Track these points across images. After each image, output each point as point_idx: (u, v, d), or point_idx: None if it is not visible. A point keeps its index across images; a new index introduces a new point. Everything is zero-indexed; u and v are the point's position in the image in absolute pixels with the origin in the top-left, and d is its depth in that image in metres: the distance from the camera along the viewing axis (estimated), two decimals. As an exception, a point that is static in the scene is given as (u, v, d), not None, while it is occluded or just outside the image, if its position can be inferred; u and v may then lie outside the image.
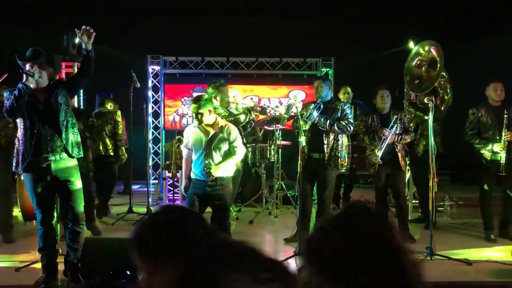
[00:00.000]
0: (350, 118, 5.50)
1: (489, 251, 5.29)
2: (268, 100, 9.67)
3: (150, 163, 9.45)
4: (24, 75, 4.00)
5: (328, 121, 5.38)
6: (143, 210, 7.04)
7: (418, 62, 5.95)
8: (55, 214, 4.44)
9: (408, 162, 6.29)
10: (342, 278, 1.14)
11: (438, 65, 5.73)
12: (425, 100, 5.18)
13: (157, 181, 9.38)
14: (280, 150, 7.52)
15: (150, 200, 7.29)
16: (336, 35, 9.79)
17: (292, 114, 5.66)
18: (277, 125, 7.02)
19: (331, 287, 1.14)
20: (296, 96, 9.33)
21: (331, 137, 5.46)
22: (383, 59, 9.55)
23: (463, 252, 5.14)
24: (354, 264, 1.14)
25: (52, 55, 4.34)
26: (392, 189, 6.02)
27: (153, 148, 9.72)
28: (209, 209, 4.91)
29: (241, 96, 9.25)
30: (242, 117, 5.92)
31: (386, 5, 9.80)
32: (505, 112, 5.56)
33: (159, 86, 9.57)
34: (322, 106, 5.46)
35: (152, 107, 9.58)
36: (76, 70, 7.39)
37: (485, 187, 5.73)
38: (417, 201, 6.97)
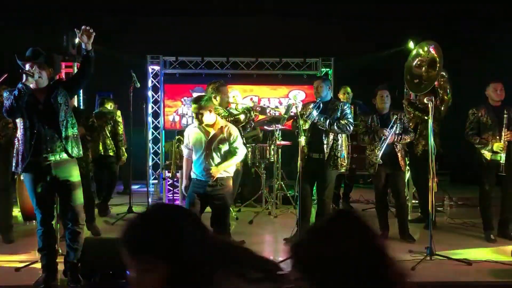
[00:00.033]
0: (349, 118, 5.50)
1: (489, 251, 5.29)
2: (268, 100, 9.67)
3: (150, 163, 9.45)
4: (24, 75, 3.99)
5: (327, 121, 5.38)
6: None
7: (419, 63, 5.97)
8: (55, 214, 4.44)
9: (407, 162, 6.29)
10: (327, 285, 1.14)
11: (438, 64, 5.73)
12: (425, 101, 5.18)
13: (156, 181, 9.38)
14: (279, 150, 7.53)
15: (150, 200, 7.29)
16: (336, 35, 9.79)
17: (292, 114, 5.66)
18: (277, 125, 7.02)
19: None
20: (296, 96, 9.34)
21: (331, 137, 5.46)
22: (383, 59, 9.56)
23: (463, 252, 5.14)
24: (339, 272, 1.14)
25: (52, 55, 4.34)
26: (392, 189, 6.02)
27: (153, 148, 9.73)
28: (208, 209, 4.92)
29: (241, 96, 9.27)
30: (242, 117, 5.92)
31: (386, 5, 9.80)
32: (505, 112, 5.56)
33: (159, 86, 9.58)
34: (321, 105, 5.46)
35: (152, 107, 9.59)
36: (76, 70, 7.39)
37: (486, 188, 5.73)
38: (417, 201, 6.97)
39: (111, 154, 6.96)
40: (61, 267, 4.35)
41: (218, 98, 5.79)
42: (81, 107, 8.01)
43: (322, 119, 5.38)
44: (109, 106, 7.24)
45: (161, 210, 1.47)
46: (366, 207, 7.73)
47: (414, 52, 6.03)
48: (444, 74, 6.30)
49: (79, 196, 4.27)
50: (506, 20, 8.90)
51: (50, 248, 4.27)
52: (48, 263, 4.24)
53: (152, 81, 9.55)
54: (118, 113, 7.18)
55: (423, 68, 5.94)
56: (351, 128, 5.55)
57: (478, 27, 9.42)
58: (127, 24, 9.73)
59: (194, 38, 9.78)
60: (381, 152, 5.56)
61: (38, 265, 4.39)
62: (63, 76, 7.35)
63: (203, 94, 5.92)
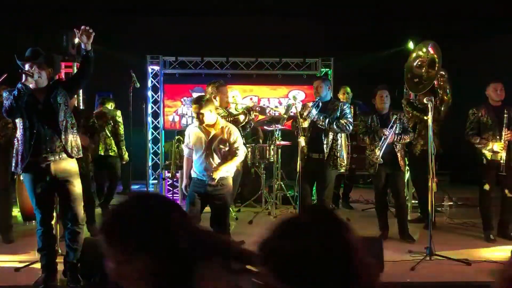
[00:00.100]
0: (349, 117, 5.51)
1: (489, 251, 5.29)
2: (268, 100, 9.67)
3: (150, 163, 9.45)
4: (24, 75, 3.99)
5: (327, 120, 5.38)
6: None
7: (419, 63, 5.97)
8: (54, 214, 4.43)
9: (407, 162, 6.29)
10: (297, 280, 1.13)
11: (437, 64, 5.74)
12: (425, 101, 5.18)
13: (156, 181, 9.37)
14: (279, 150, 7.52)
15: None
16: (336, 35, 9.79)
17: (292, 114, 5.66)
18: (276, 125, 7.02)
19: None
20: (296, 96, 9.31)
21: (330, 137, 5.46)
22: (383, 59, 9.55)
23: (463, 252, 5.14)
24: (308, 267, 1.13)
25: (51, 55, 4.35)
26: (392, 189, 6.03)
27: (153, 148, 9.72)
28: (208, 209, 4.92)
29: (240, 96, 9.27)
30: (242, 117, 5.92)
31: (386, 5, 9.79)
32: (505, 111, 5.57)
33: (158, 86, 9.57)
34: (321, 104, 5.47)
35: (152, 107, 9.59)
36: (75, 70, 7.39)
37: (486, 187, 5.73)
38: (417, 201, 6.97)
39: (112, 154, 6.95)
40: (60, 267, 4.35)
41: (217, 98, 5.79)
42: (81, 107, 8.00)
43: (321, 117, 5.38)
44: (110, 106, 7.24)
45: (142, 199, 1.43)
46: (366, 207, 7.74)
47: (414, 54, 6.04)
48: (444, 74, 6.30)
49: (78, 196, 4.26)
50: (506, 20, 8.89)
51: (50, 248, 4.27)
52: (47, 263, 4.24)
53: (152, 81, 9.55)
54: (118, 113, 7.17)
55: (423, 68, 5.94)
56: (351, 127, 5.55)
57: (478, 27, 9.42)
58: (127, 24, 9.72)
59: (194, 38, 9.77)
60: (381, 152, 5.57)
61: (38, 265, 4.39)
62: (63, 76, 7.35)
63: (204, 94, 5.92)
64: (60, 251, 4.72)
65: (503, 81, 5.80)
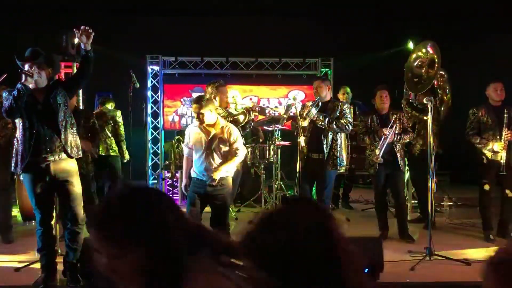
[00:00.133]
0: (349, 117, 5.52)
1: (488, 251, 5.27)
2: (268, 100, 9.66)
3: (149, 163, 9.44)
4: (23, 76, 3.99)
5: (326, 119, 5.38)
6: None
7: (419, 63, 5.98)
8: (54, 214, 4.43)
9: (407, 163, 6.29)
10: (280, 272, 1.13)
11: (436, 65, 5.74)
12: (424, 101, 5.18)
13: (156, 181, 9.37)
14: (279, 150, 7.52)
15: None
16: (336, 35, 9.78)
17: (292, 114, 5.66)
18: (276, 125, 7.02)
19: (269, 281, 1.13)
20: (296, 97, 9.33)
21: (330, 137, 5.47)
22: (383, 60, 9.54)
23: (462, 252, 5.14)
24: (291, 258, 1.13)
25: (51, 55, 4.35)
26: (392, 189, 6.03)
27: (153, 148, 9.71)
28: (208, 209, 4.92)
29: (240, 96, 9.26)
30: (241, 118, 5.92)
31: (386, 5, 9.79)
32: (505, 111, 5.57)
33: (158, 86, 9.57)
34: (320, 104, 5.47)
35: (152, 107, 9.58)
36: (75, 70, 7.38)
37: (486, 187, 5.73)
38: (416, 201, 6.97)
39: (113, 154, 6.95)
40: (60, 267, 4.35)
41: (217, 98, 5.79)
42: (81, 107, 8.00)
43: (321, 117, 5.38)
44: (110, 106, 7.24)
45: (134, 192, 1.40)
46: (365, 207, 7.74)
47: (413, 56, 6.04)
48: (443, 74, 6.30)
49: (78, 196, 4.26)
50: (506, 20, 8.89)
51: (50, 248, 4.27)
52: (47, 263, 4.24)
53: (152, 81, 9.54)
54: (118, 113, 7.16)
55: (424, 69, 5.94)
56: (350, 127, 5.55)
57: (478, 27, 9.42)
58: (126, 24, 9.72)
59: (193, 38, 9.76)
60: (381, 151, 5.57)
61: (38, 265, 4.39)
62: (63, 76, 7.35)
63: (204, 94, 5.92)
64: (60, 251, 4.72)
65: (503, 81, 5.80)
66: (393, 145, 5.69)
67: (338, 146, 5.53)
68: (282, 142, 7.44)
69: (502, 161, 5.54)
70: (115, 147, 6.97)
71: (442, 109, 6.33)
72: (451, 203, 7.64)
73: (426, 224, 5.53)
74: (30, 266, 4.67)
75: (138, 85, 7.02)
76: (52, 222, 4.34)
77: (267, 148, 7.29)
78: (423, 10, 9.62)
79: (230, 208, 5.88)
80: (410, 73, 6.01)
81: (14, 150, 4.22)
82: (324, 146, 5.44)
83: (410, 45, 7.49)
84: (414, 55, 6.05)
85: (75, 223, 4.23)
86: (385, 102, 5.80)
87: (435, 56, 5.79)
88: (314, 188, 5.79)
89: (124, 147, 7.11)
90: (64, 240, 4.30)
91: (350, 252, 1.18)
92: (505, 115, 5.57)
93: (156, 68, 9.52)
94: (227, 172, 4.78)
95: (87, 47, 4.06)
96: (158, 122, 9.64)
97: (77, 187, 4.26)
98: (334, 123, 5.38)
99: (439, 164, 6.32)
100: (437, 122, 6.15)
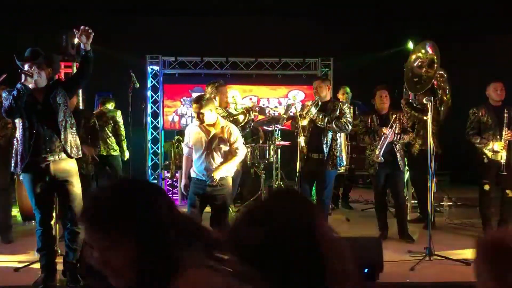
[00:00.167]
0: (348, 117, 5.53)
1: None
2: (267, 100, 9.66)
3: (149, 163, 9.44)
4: (23, 75, 3.99)
5: (326, 118, 5.39)
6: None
7: (420, 64, 5.98)
8: (54, 214, 4.43)
9: (406, 163, 6.29)
10: (266, 265, 1.13)
11: (435, 65, 5.74)
12: (424, 101, 5.18)
13: (156, 181, 9.37)
14: (279, 150, 7.52)
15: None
16: (335, 35, 9.78)
17: (291, 114, 5.66)
18: (276, 125, 7.02)
19: (252, 274, 1.13)
20: (295, 97, 9.33)
21: (330, 136, 5.47)
22: (383, 60, 9.54)
23: (462, 252, 5.13)
24: (275, 251, 1.14)
25: (51, 55, 4.34)
26: (391, 189, 6.03)
27: (152, 148, 9.71)
28: (208, 209, 4.92)
29: (240, 96, 9.26)
30: (241, 118, 5.92)
31: (386, 5, 9.79)
32: (506, 111, 5.57)
33: (158, 86, 9.57)
34: (320, 103, 5.47)
35: (151, 107, 9.58)
36: (75, 70, 7.38)
37: (486, 187, 5.73)
38: (416, 201, 6.97)
39: (113, 153, 6.95)
40: (60, 267, 4.35)
41: (217, 98, 5.79)
42: (81, 107, 8.00)
43: (320, 116, 5.38)
44: (110, 106, 7.24)
45: (128, 184, 1.39)
46: (365, 207, 7.73)
47: (413, 56, 6.04)
48: (443, 74, 6.30)
49: (78, 196, 4.26)
50: (506, 20, 8.89)
51: (49, 248, 4.27)
52: (47, 263, 4.24)
53: (152, 81, 9.55)
54: (118, 113, 7.17)
55: (423, 69, 5.94)
56: (350, 127, 5.56)
57: (478, 27, 9.42)
58: (126, 24, 9.71)
59: (193, 38, 9.76)
60: (381, 151, 5.57)
61: (37, 265, 4.38)
62: (62, 76, 7.35)
63: (204, 93, 5.92)
64: (59, 251, 4.72)
65: (503, 81, 5.80)
66: (393, 145, 5.69)
67: (338, 146, 5.53)
68: (282, 142, 7.44)
69: (502, 161, 5.55)
70: (116, 147, 6.98)
71: (442, 109, 6.33)
72: (451, 203, 7.64)
73: (426, 224, 5.53)
74: (30, 266, 4.66)
75: (138, 85, 7.02)
76: (52, 222, 4.35)
77: (267, 148, 7.29)
78: (423, 10, 9.61)
79: (230, 208, 5.88)
80: (411, 73, 6.01)
81: (14, 150, 4.22)
82: (324, 146, 5.44)
83: (410, 45, 7.48)
84: (414, 56, 6.05)
85: (75, 223, 4.22)
86: (385, 102, 5.80)
87: (435, 56, 5.79)
88: (314, 188, 5.79)
89: (125, 146, 7.12)
90: (64, 240, 4.30)
91: (332, 240, 1.19)
92: (505, 115, 5.57)
93: (156, 68, 9.52)
94: (227, 171, 4.78)
95: (87, 47, 4.06)
96: (158, 122, 9.64)
97: (77, 187, 4.26)
98: (333, 122, 5.38)
99: (439, 164, 6.32)
100: (436, 122, 6.15)
